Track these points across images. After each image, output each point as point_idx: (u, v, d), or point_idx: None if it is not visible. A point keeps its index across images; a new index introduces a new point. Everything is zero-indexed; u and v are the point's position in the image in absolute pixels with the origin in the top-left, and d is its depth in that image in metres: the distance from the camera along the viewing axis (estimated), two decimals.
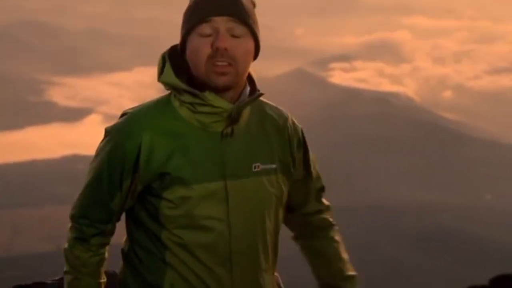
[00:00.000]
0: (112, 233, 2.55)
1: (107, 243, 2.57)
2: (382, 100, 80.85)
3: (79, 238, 2.55)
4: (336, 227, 2.77)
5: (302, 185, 2.55)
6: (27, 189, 52.13)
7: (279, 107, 2.49)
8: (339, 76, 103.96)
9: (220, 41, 2.22)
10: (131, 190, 2.38)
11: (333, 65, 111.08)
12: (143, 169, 2.32)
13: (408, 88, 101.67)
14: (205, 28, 2.25)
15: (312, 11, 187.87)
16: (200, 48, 2.26)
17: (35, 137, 77.87)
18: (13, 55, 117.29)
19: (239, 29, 2.26)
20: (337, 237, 2.76)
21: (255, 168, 2.34)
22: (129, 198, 2.42)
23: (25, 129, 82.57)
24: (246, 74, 2.35)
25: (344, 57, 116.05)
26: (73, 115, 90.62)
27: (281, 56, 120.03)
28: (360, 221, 42.31)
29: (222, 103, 2.27)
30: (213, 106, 2.29)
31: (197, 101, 2.32)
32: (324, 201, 2.69)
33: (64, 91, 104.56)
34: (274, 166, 2.38)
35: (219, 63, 2.23)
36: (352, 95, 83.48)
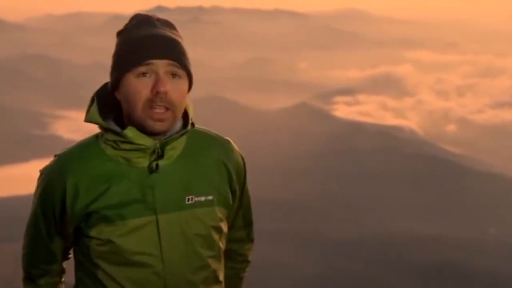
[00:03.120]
0: (61, 272, 2.61)
1: (58, 282, 2.60)
2: (386, 133, 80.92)
3: (28, 278, 2.59)
4: (248, 264, 2.80)
5: (231, 211, 2.56)
6: None
7: (221, 136, 2.51)
8: (343, 110, 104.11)
9: (161, 86, 2.24)
10: (65, 232, 2.47)
11: (337, 98, 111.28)
12: (70, 212, 2.40)
13: (412, 122, 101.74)
14: (143, 70, 2.28)
15: (316, 44, 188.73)
16: (138, 90, 2.28)
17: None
18: (18, 88, 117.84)
19: (178, 72, 2.30)
20: (242, 273, 2.76)
21: (188, 200, 2.36)
22: (67, 239, 2.50)
23: (29, 162, 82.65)
24: (179, 113, 2.35)
25: (348, 91, 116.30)
26: None
27: (284, 90, 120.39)
28: (361, 254, 42.13)
29: (144, 140, 2.31)
30: (134, 144, 2.31)
31: (119, 139, 2.36)
32: (250, 233, 2.76)
33: (69, 124, 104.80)
34: (210, 197, 2.39)
35: (157, 109, 2.26)
36: (356, 128, 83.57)
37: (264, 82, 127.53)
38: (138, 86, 2.29)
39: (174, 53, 2.30)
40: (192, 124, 2.40)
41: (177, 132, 2.36)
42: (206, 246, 2.41)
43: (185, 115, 2.42)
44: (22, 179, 77.81)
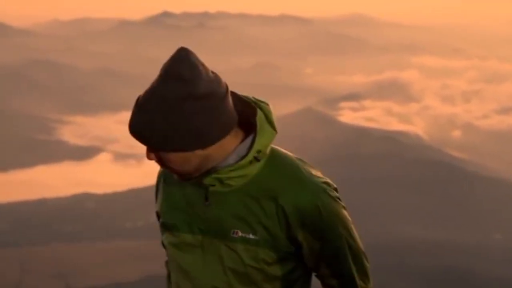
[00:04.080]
0: None
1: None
2: (391, 139, 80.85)
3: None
4: None
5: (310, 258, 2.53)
6: (36, 227, 52.13)
7: (300, 178, 2.44)
8: (348, 115, 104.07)
9: (146, 156, 2.48)
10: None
11: (342, 104, 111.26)
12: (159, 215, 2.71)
13: (417, 127, 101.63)
14: None
15: (321, 50, 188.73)
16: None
17: (45, 176, 78.07)
18: (24, 94, 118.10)
19: (157, 153, 2.45)
20: None
21: (233, 233, 2.43)
22: None
23: (35, 167, 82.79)
24: (208, 159, 2.42)
25: (353, 96, 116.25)
26: (83, 153, 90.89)
27: (290, 95, 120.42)
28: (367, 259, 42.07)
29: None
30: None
31: None
32: (346, 284, 2.65)
33: (74, 129, 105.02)
34: (255, 237, 2.42)
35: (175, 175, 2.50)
36: (361, 134, 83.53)
37: (270, 87, 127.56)
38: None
39: (146, 141, 2.44)
40: (256, 159, 2.40)
41: (226, 166, 2.41)
42: (242, 283, 2.46)
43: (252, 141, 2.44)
44: (27, 184, 78.01)
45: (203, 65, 2.38)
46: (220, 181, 2.41)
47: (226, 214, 2.44)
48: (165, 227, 2.57)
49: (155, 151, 2.43)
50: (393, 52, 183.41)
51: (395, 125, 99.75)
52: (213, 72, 2.39)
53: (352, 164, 70.89)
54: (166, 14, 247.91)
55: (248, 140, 2.42)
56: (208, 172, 2.42)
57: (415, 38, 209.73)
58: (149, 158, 2.45)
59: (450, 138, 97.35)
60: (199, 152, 2.38)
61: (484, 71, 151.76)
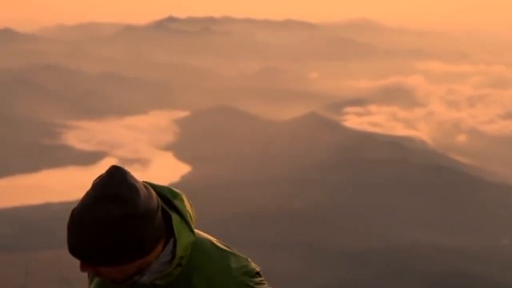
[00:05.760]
0: None
1: None
2: (396, 144, 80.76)
3: None
4: None
5: None
6: (41, 231, 52.19)
7: (217, 275, 2.76)
8: (353, 120, 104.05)
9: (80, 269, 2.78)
10: None
11: (347, 109, 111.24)
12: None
13: (422, 132, 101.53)
14: None
15: (326, 55, 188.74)
16: None
17: (51, 180, 78.14)
18: (30, 99, 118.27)
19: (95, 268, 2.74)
20: None
21: None
22: None
23: (40, 172, 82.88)
24: (139, 267, 2.75)
25: (358, 101, 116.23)
26: (88, 158, 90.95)
27: (295, 100, 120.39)
28: (370, 264, 42.00)
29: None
30: None
31: None
32: None
33: (80, 134, 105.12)
34: None
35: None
36: (366, 139, 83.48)
37: (275, 92, 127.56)
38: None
39: (93, 260, 2.69)
40: (180, 264, 2.73)
41: (154, 276, 2.77)
42: None
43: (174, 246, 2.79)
44: (33, 188, 78.12)
45: (138, 182, 2.65)
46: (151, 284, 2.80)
47: None
48: None
49: (95, 266, 2.73)
50: (399, 57, 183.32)
51: (400, 130, 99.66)
52: (146, 187, 2.66)
53: (356, 168, 70.85)
54: (171, 19, 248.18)
55: (170, 245, 2.73)
56: (141, 275, 2.76)
57: (420, 43, 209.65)
58: (84, 271, 2.73)
59: (455, 143, 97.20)
60: (138, 262, 2.70)
61: (490, 76, 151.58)
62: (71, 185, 75.55)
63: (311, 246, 47.79)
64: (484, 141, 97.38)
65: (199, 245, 2.77)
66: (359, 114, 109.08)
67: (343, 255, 45.02)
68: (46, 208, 61.97)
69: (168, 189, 2.76)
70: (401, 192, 63.90)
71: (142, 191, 2.61)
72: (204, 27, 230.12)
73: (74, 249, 2.64)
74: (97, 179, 2.68)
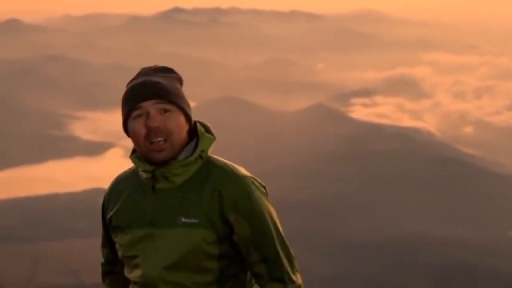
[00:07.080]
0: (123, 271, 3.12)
1: (121, 280, 3.14)
2: (403, 135, 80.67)
3: (102, 274, 3.25)
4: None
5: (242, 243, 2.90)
6: (48, 222, 52.31)
7: (232, 170, 2.90)
8: (360, 111, 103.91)
9: (150, 121, 2.74)
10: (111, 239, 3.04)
11: (354, 100, 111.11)
12: (107, 223, 3.02)
13: (429, 124, 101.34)
14: (137, 113, 2.80)
15: (333, 46, 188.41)
16: (136, 130, 2.81)
17: (57, 171, 78.27)
18: (36, 90, 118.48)
19: (167, 107, 2.76)
20: None
21: (179, 221, 2.78)
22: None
23: (47, 162, 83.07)
24: (182, 142, 2.80)
25: (365, 92, 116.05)
26: (95, 149, 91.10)
27: (301, 91, 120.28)
28: (377, 256, 42.04)
29: (143, 166, 2.84)
30: (140, 169, 2.86)
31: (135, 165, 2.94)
32: (271, 271, 2.99)
33: (86, 125, 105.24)
34: (196, 221, 2.78)
35: (154, 140, 2.76)
36: (373, 130, 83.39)
37: (281, 84, 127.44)
38: (136, 127, 2.82)
39: (159, 92, 2.75)
40: (201, 157, 2.80)
41: (176, 161, 2.80)
42: (195, 261, 2.80)
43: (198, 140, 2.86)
44: (39, 179, 78.26)
45: None
46: (166, 177, 2.77)
47: (170, 207, 2.79)
48: (118, 229, 2.91)
49: (167, 102, 2.74)
50: (405, 48, 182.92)
51: (407, 122, 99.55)
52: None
53: (363, 160, 70.83)
54: (177, 10, 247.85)
55: (192, 143, 2.83)
56: (165, 164, 2.77)
57: (427, 34, 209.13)
58: (153, 123, 2.71)
59: (462, 135, 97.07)
60: (186, 124, 2.80)
61: (497, 67, 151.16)
62: (78, 175, 75.64)
63: (317, 238, 47.84)
64: (490, 133, 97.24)
65: (216, 159, 2.86)
66: (366, 105, 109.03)
67: (349, 247, 45.04)
68: (52, 199, 62.14)
69: None
70: (407, 183, 63.86)
71: None
72: (210, 18, 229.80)
73: (147, 85, 2.74)
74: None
